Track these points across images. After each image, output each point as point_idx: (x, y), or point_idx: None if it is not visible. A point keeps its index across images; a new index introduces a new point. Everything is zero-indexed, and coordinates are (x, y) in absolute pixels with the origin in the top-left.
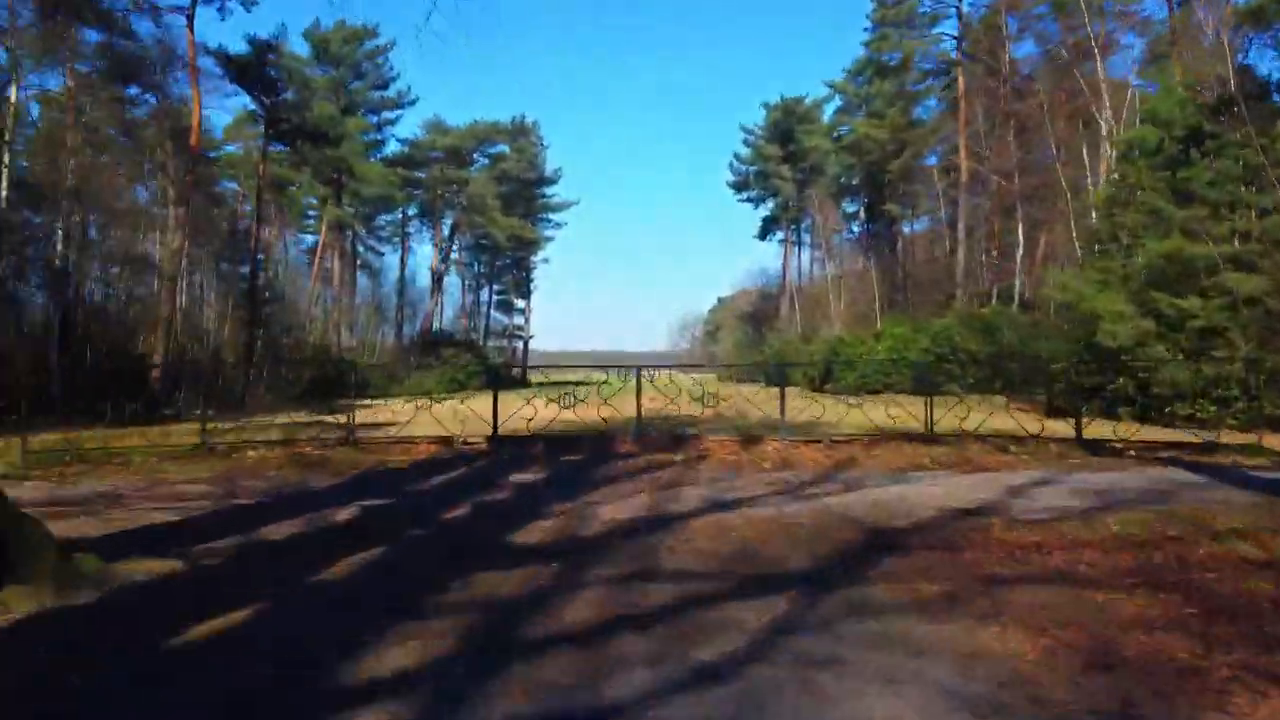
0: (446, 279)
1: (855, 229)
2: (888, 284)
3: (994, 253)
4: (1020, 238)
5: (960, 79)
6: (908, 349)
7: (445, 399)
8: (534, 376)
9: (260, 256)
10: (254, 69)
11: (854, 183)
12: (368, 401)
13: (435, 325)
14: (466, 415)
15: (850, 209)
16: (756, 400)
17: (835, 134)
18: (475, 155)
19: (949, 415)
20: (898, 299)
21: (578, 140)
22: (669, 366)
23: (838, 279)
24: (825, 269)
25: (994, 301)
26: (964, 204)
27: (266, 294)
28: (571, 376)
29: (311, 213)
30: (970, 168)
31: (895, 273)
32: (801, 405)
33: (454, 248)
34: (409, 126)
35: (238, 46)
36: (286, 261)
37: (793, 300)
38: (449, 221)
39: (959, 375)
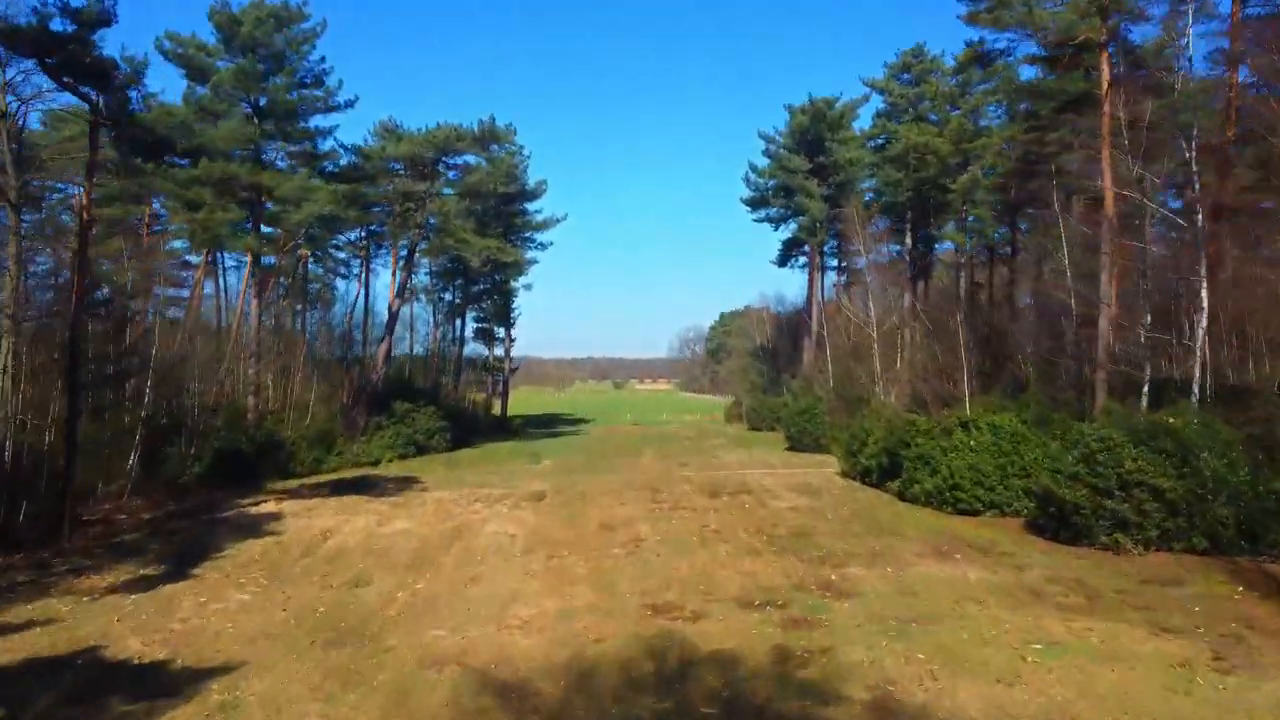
0: (413, 309)
1: (889, 253)
2: (945, 341)
3: (1145, 320)
4: (1204, 303)
5: (1104, 67)
6: (1021, 454)
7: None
8: (517, 395)
9: (132, 304)
10: (70, 51)
11: (901, 200)
12: (271, 503)
13: (398, 368)
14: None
15: (879, 226)
16: (815, 519)
17: (876, 142)
18: (440, 166)
19: None
20: (966, 361)
21: (569, 138)
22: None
23: (896, 328)
24: (868, 310)
25: (1145, 393)
26: (1109, 248)
27: (140, 352)
28: (556, 402)
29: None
30: (1117, 197)
31: (972, 326)
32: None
33: (413, 275)
34: (357, 131)
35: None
36: (222, 302)
37: (821, 342)
38: (410, 245)
39: (1133, 519)
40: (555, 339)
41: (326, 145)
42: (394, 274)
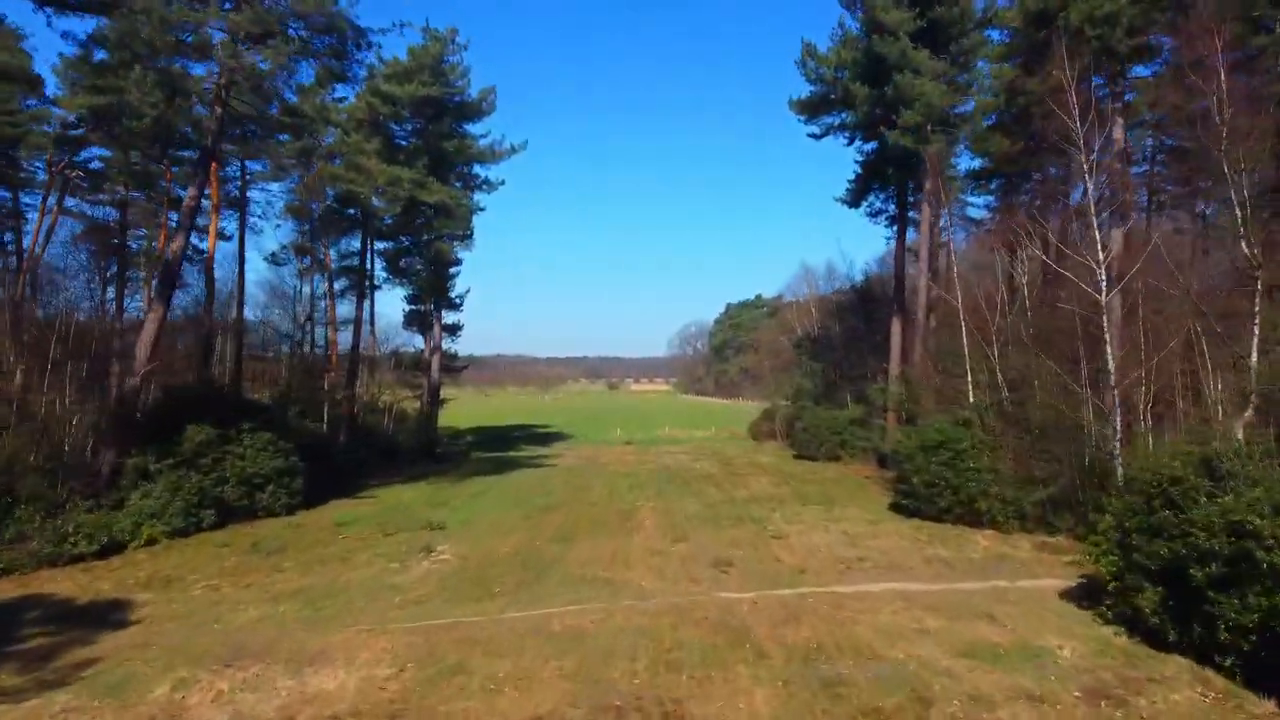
0: (314, 283)
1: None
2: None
3: None
4: None
5: None
6: None
7: None
8: (499, 398)
9: None
10: None
11: (1122, 51)
12: None
13: (244, 369)
14: None
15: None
16: None
17: None
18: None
19: None
20: None
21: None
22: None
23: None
24: (1095, 261)
25: None
26: None
27: None
28: (535, 408)
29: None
30: None
31: None
32: None
33: (248, 218)
34: None
35: None
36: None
37: (942, 318)
38: (208, 143)
39: None
40: (550, 338)
41: None
42: (214, 202)
